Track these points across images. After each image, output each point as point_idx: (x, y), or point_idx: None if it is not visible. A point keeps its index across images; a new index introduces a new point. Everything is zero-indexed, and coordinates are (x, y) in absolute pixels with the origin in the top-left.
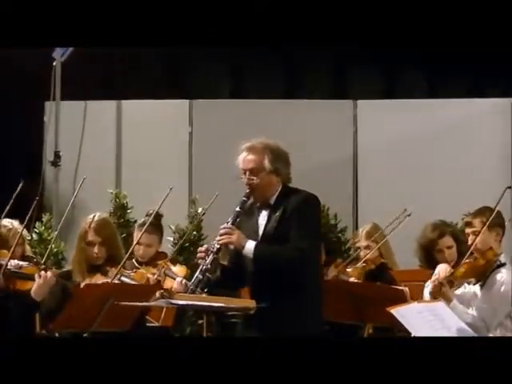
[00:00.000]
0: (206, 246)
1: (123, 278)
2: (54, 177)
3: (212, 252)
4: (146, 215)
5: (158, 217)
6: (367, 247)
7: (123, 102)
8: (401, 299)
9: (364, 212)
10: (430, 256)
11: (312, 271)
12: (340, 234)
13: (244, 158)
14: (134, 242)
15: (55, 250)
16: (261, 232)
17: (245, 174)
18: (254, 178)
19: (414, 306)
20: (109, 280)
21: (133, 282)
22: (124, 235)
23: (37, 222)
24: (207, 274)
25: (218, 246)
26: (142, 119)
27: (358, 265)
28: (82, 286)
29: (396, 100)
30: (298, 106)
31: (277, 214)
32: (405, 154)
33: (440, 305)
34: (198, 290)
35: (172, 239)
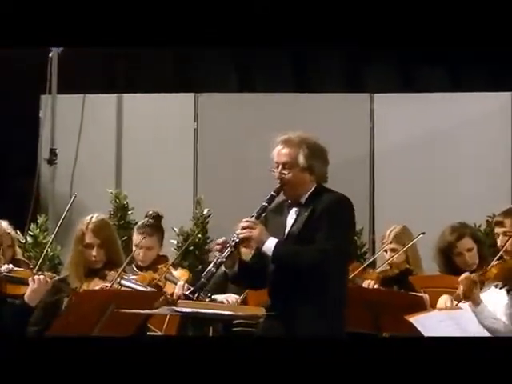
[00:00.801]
0: (224, 238)
1: (124, 282)
2: (50, 176)
3: (230, 245)
4: (146, 216)
5: (158, 218)
6: (393, 250)
7: (124, 95)
8: (420, 307)
9: (381, 214)
10: (449, 260)
11: (335, 275)
12: (355, 237)
13: (278, 151)
14: (133, 245)
15: (51, 253)
16: (287, 231)
17: (277, 167)
18: (286, 172)
19: (435, 314)
20: (108, 284)
21: (136, 286)
22: (124, 238)
23: (32, 224)
24: (222, 267)
25: (237, 240)
26: (144, 114)
27: (381, 267)
28: (79, 291)
29: (416, 94)
30: (311, 100)
31: (305, 214)
32: (425, 152)
33: (462, 312)
34: (205, 290)
35: (176, 242)
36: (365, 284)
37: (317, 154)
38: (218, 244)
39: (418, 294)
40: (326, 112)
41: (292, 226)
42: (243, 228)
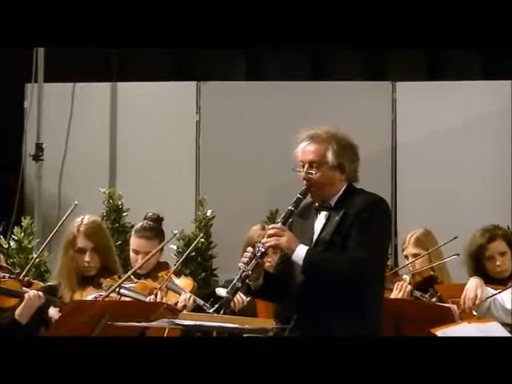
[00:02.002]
0: (250, 248)
1: (123, 291)
2: (36, 173)
3: (256, 256)
4: (145, 218)
5: (159, 220)
6: (415, 255)
7: (119, 84)
8: (448, 318)
9: (404, 214)
10: (479, 265)
11: (370, 289)
12: None
13: (304, 148)
14: (131, 250)
15: (37, 260)
16: (315, 237)
17: (303, 166)
18: (314, 172)
19: (464, 327)
20: (104, 294)
21: (136, 296)
22: (119, 242)
23: (15, 227)
24: (247, 281)
25: (264, 250)
26: (140, 105)
27: (403, 276)
28: (71, 301)
29: (443, 82)
30: (326, 90)
31: (336, 217)
32: (453, 146)
33: (494, 324)
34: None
35: (176, 247)
36: (396, 286)
37: (347, 151)
38: (247, 257)
39: (444, 304)
40: (343, 103)
41: (321, 231)
42: (269, 236)
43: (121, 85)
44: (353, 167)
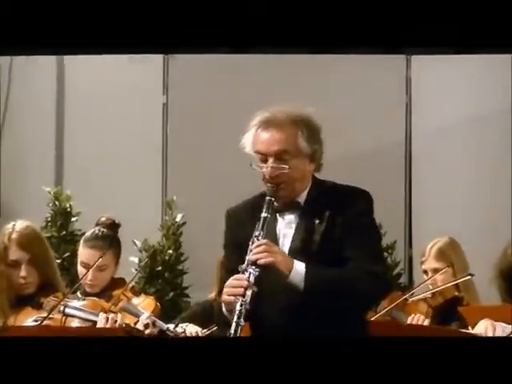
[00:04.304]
0: (240, 276)
1: (69, 311)
2: None
3: (249, 283)
4: (97, 224)
5: (115, 226)
6: (437, 271)
7: (66, 58)
8: None
9: (421, 219)
10: None
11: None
12: (386, 253)
13: (265, 138)
14: (79, 263)
15: None
16: (286, 245)
17: (265, 161)
18: (287, 166)
19: None
20: (45, 315)
21: (85, 315)
22: (67, 254)
23: None
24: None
25: (257, 273)
26: (94, 84)
27: (420, 296)
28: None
29: (468, 56)
30: (325, 64)
31: (316, 219)
32: (482, 135)
33: None
34: None
35: (137, 261)
36: (411, 320)
37: (317, 134)
38: (241, 286)
39: (470, 331)
40: (347, 81)
41: (297, 236)
42: (259, 253)
43: (69, 59)
44: (321, 155)
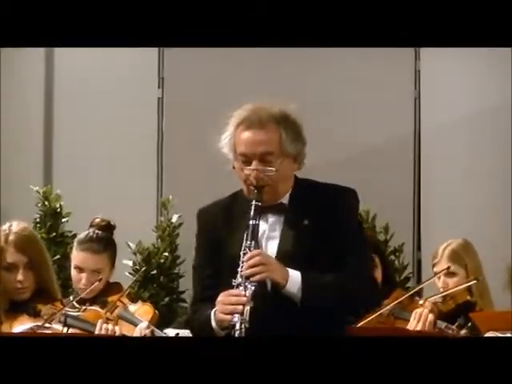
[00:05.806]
0: (237, 292)
1: (70, 321)
2: None
3: (247, 298)
4: (91, 226)
5: (110, 228)
6: (449, 274)
7: (56, 50)
8: None
9: (431, 220)
10: None
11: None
12: (393, 256)
13: (248, 139)
14: (73, 267)
15: None
16: (272, 248)
17: (249, 162)
18: (271, 168)
19: None
20: (39, 324)
21: (86, 326)
22: (57, 257)
23: None
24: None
25: (254, 287)
26: (85, 78)
27: (430, 298)
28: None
29: (480, 49)
30: (328, 58)
31: (304, 220)
32: (495, 130)
33: None
34: None
35: (131, 264)
36: (415, 315)
37: (300, 132)
38: (239, 302)
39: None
40: (351, 76)
41: (284, 240)
42: (254, 266)
43: (59, 51)
44: (304, 153)
